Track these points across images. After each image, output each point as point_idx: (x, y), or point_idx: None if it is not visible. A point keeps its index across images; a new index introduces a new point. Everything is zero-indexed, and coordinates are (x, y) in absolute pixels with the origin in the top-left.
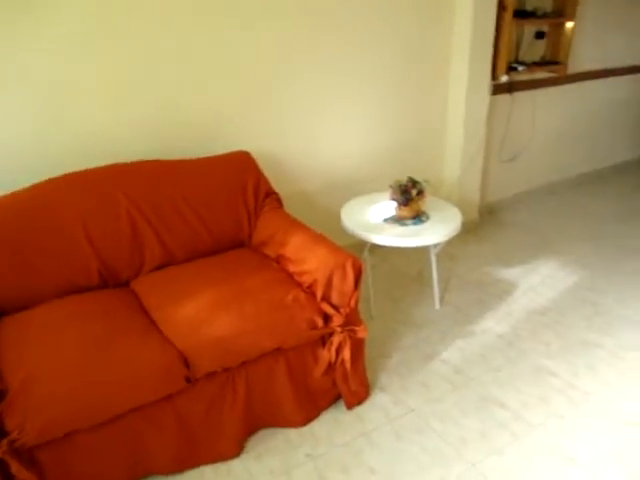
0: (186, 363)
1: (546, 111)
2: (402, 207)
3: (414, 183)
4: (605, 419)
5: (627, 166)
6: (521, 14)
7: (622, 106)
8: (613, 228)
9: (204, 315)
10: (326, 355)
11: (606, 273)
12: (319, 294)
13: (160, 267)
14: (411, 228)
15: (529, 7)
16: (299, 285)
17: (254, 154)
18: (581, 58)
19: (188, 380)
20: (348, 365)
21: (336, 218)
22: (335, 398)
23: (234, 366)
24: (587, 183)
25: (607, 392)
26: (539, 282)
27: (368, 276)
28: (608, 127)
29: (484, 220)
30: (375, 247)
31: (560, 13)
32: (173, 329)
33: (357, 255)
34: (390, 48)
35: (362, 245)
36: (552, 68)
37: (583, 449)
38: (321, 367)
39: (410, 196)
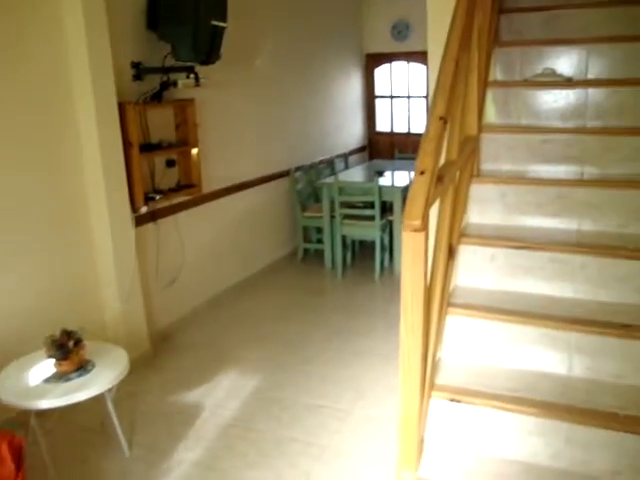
0: None
1: (192, 231)
2: (62, 362)
3: (69, 334)
4: None
5: (280, 263)
6: (148, 147)
7: (260, 212)
8: (277, 326)
9: None
10: None
11: (281, 369)
12: None
13: None
14: (77, 382)
15: (155, 140)
16: None
17: None
18: (214, 177)
19: None
20: None
21: None
22: None
23: None
24: (248, 287)
25: None
26: (224, 396)
27: (42, 446)
28: (254, 232)
29: (159, 349)
30: (46, 411)
31: (184, 142)
32: None
33: (21, 429)
34: (21, 201)
35: (28, 414)
36: (188, 191)
37: None
38: None
39: (67, 349)
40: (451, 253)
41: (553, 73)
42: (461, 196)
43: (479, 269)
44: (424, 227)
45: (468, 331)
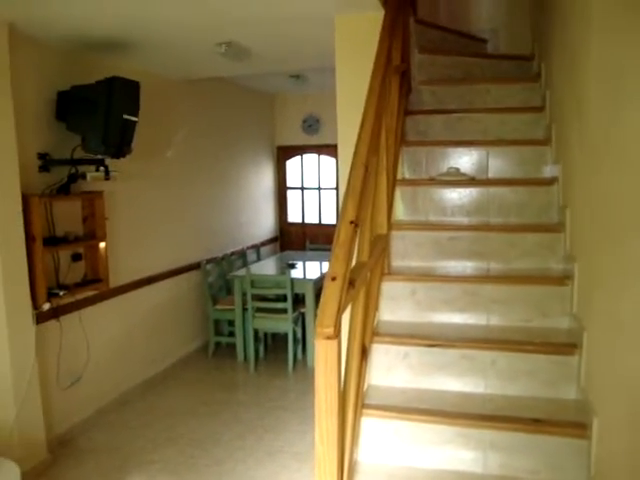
0: None
1: (99, 327)
2: None
3: None
4: None
5: (191, 358)
6: (53, 241)
7: (170, 305)
8: (187, 425)
9: None
10: None
11: (192, 472)
12: None
13: None
14: None
15: (60, 233)
16: None
17: None
18: (123, 271)
19: None
20: None
21: None
22: None
23: None
24: (157, 384)
25: None
26: None
27: None
28: (163, 326)
29: (58, 455)
30: None
31: (92, 235)
32: None
33: None
34: None
35: None
36: (95, 286)
37: None
38: None
39: None
40: (364, 353)
41: (457, 172)
42: (373, 295)
43: (392, 368)
44: (337, 334)
45: (383, 432)
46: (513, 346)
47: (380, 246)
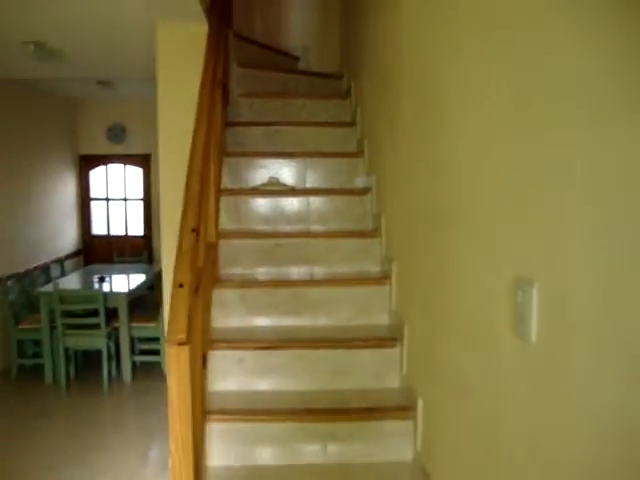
0: None
1: None
2: None
3: None
4: None
5: None
6: None
7: None
8: None
9: None
10: None
11: None
12: None
13: None
14: None
15: None
16: None
17: None
18: None
19: None
20: None
21: None
22: None
23: None
24: None
25: None
26: None
27: None
28: None
29: None
30: None
31: None
32: None
33: None
34: None
35: None
36: None
37: None
38: None
39: None
40: (204, 360)
41: (278, 182)
42: (207, 303)
43: (229, 373)
44: (189, 340)
45: (227, 435)
46: (340, 344)
47: (212, 254)
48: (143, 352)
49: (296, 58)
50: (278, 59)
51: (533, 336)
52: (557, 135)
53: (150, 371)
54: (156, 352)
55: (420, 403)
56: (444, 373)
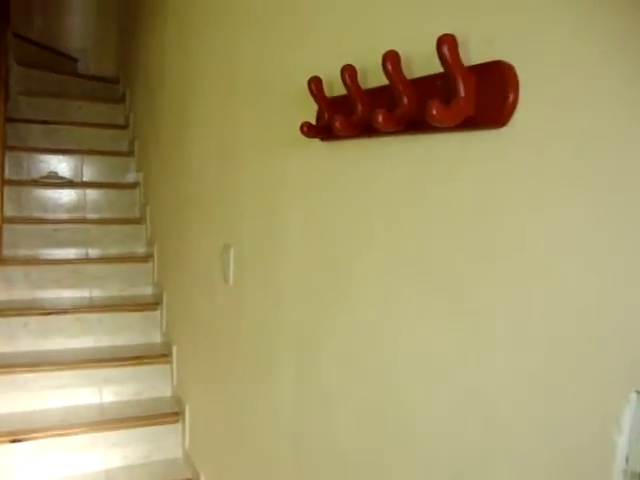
0: None
1: None
2: None
3: None
4: None
5: None
6: None
7: None
8: None
9: None
10: None
11: None
12: None
13: None
14: None
15: None
16: None
17: None
18: None
19: None
20: None
21: None
22: None
23: None
24: None
25: None
26: None
27: None
28: None
29: None
30: None
31: None
32: None
33: None
34: None
35: None
36: None
37: None
38: None
39: None
40: None
41: (56, 175)
42: None
43: (15, 336)
44: None
45: (14, 391)
46: (113, 308)
47: None
48: None
49: (75, 60)
50: (57, 60)
51: (231, 281)
52: (236, 162)
53: None
54: None
55: (175, 349)
56: (191, 320)
